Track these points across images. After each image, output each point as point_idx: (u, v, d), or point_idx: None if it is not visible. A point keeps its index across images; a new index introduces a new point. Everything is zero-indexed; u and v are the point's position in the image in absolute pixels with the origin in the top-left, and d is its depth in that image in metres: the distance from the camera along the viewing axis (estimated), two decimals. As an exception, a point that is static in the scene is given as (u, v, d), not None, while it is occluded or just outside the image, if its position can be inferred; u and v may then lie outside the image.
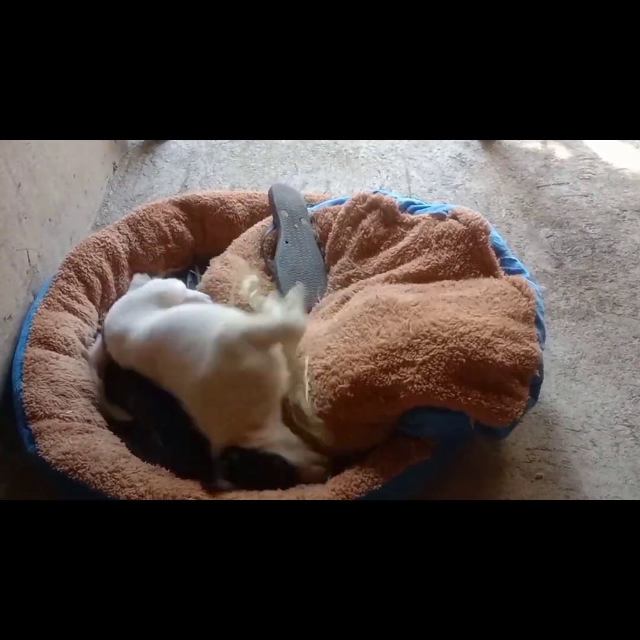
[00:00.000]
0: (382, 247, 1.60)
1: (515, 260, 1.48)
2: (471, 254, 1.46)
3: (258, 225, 1.66)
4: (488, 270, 1.45)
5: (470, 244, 1.46)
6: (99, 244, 1.57)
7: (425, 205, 1.61)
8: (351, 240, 1.59)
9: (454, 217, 1.50)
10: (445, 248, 1.48)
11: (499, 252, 1.48)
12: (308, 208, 1.67)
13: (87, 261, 1.53)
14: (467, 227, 1.47)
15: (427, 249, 1.50)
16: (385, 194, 1.59)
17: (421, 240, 1.52)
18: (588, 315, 1.61)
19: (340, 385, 1.22)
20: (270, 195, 1.63)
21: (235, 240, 1.65)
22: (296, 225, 1.61)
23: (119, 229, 1.62)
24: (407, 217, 1.59)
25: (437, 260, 1.47)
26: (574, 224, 1.83)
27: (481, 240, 1.45)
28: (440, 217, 1.52)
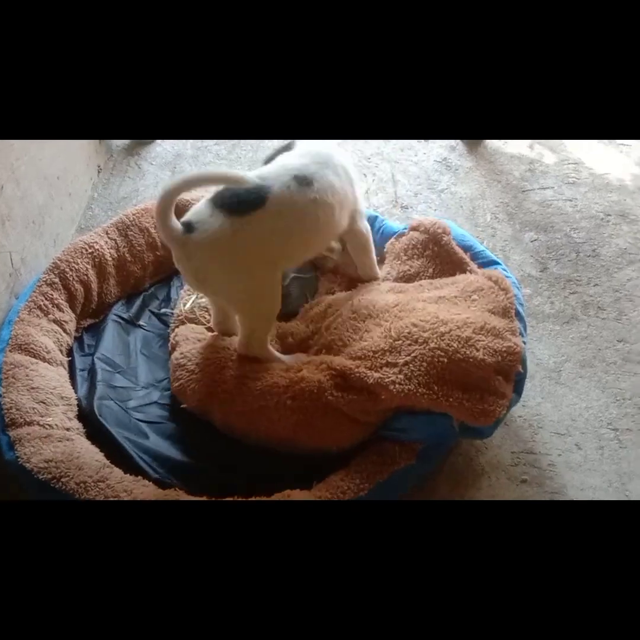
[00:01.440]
0: None
1: (484, 250, 1.50)
2: (439, 257, 1.50)
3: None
4: (460, 268, 1.48)
5: (435, 248, 1.50)
6: (86, 250, 1.54)
7: (391, 224, 1.62)
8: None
9: (413, 229, 1.54)
10: (414, 258, 1.52)
11: (467, 248, 1.50)
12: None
13: (73, 268, 1.50)
14: (428, 234, 1.51)
15: (398, 262, 1.53)
16: None
17: (392, 256, 1.54)
18: (572, 319, 1.62)
19: (330, 371, 1.25)
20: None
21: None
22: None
23: (107, 233, 1.59)
24: None
25: (408, 270, 1.51)
26: (559, 228, 1.84)
27: (444, 241, 1.49)
28: (400, 235, 1.56)
